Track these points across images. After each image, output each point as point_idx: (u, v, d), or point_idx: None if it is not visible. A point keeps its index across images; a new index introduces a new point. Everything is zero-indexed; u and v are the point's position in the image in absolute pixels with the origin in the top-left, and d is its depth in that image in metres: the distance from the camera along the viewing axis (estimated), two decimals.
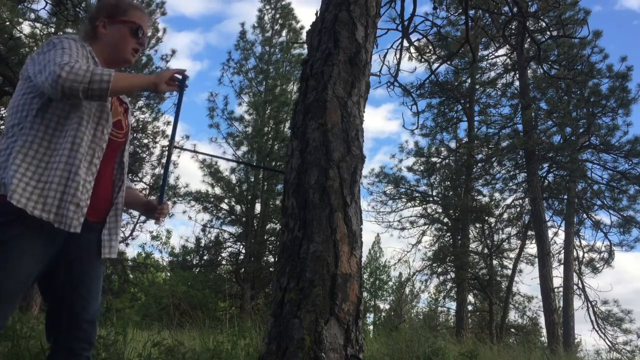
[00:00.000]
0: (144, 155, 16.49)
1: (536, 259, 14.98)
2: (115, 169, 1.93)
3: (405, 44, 6.18)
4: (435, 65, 10.22)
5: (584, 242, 16.03)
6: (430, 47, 9.95)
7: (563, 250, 15.60)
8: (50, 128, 1.72)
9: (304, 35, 16.99)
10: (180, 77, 1.94)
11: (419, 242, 17.46)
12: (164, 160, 16.18)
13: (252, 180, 17.68)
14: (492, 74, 17.65)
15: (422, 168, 17.67)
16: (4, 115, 13.66)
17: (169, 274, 19.28)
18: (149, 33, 2.08)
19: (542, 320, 15.74)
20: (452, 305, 18.92)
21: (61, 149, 1.72)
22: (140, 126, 15.25)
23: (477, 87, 17.86)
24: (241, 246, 17.66)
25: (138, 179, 14.93)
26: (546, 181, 15.90)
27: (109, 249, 1.88)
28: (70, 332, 1.79)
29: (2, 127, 13.65)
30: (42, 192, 1.66)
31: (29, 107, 1.74)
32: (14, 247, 1.62)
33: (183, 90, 1.98)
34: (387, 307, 33.28)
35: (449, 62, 11.64)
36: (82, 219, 1.74)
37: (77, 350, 1.79)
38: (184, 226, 68.29)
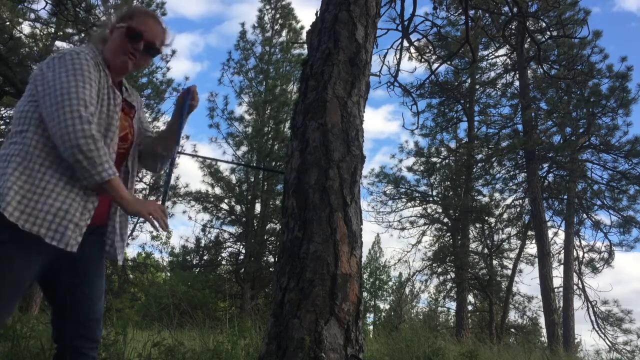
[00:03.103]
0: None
1: (536, 259, 14.98)
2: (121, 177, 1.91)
3: (405, 44, 6.19)
4: (435, 65, 10.21)
5: (584, 242, 16.04)
6: (430, 47, 9.95)
7: (563, 250, 15.61)
8: (52, 140, 1.70)
9: (304, 35, 16.99)
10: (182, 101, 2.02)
11: (419, 242, 17.46)
12: None
13: (252, 180, 17.67)
14: (492, 74, 17.67)
15: (422, 168, 17.66)
16: (3, 115, 13.66)
17: (169, 274, 19.27)
18: (167, 44, 2.03)
19: (542, 320, 15.75)
20: (452, 305, 18.92)
21: (62, 164, 1.70)
22: None
23: (477, 87, 17.85)
24: (241, 246, 17.66)
25: (138, 179, 14.97)
26: (546, 181, 15.89)
27: (121, 255, 1.91)
28: (77, 332, 1.79)
29: (2, 126, 13.64)
30: (36, 206, 1.64)
31: (31, 115, 1.73)
32: (8, 253, 1.61)
33: (186, 109, 2.04)
34: (387, 307, 33.32)
35: (449, 62, 11.63)
36: (80, 238, 1.73)
37: (83, 349, 1.80)
38: (184, 226, 68.33)
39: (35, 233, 1.63)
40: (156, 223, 1.78)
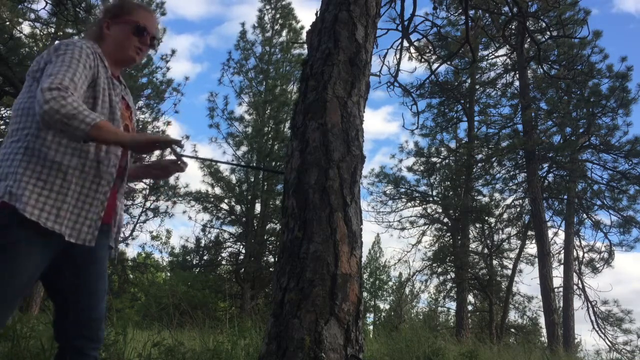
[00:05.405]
0: (143, 155, 16.50)
1: (536, 259, 14.98)
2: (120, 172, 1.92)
3: (405, 44, 6.18)
4: (435, 65, 10.22)
5: (584, 242, 16.04)
6: (430, 47, 9.94)
7: (563, 250, 15.61)
8: (58, 136, 1.69)
9: (304, 35, 17.00)
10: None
11: (419, 242, 17.46)
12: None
13: (252, 180, 17.68)
14: (492, 74, 17.67)
15: (422, 168, 17.66)
16: (3, 115, 13.65)
17: (169, 274, 19.27)
18: (159, 34, 2.08)
19: (542, 320, 15.76)
20: (452, 305, 18.92)
21: (72, 159, 1.70)
22: (140, 126, 15.28)
23: (477, 87, 17.85)
24: (241, 246, 17.66)
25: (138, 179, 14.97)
26: (546, 181, 15.89)
27: (114, 247, 1.94)
28: (78, 332, 1.79)
29: (2, 126, 13.63)
30: (54, 204, 1.65)
31: (33, 112, 1.70)
32: (13, 252, 1.61)
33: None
34: (387, 307, 33.33)
35: (449, 62, 11.63)
36: (97, 232, 1.75)
37: (85, 349, 1.80)
38: (184, 226, 68.35)
39: (57, 231, 1.63)
40: (177, 149, 1.82)
